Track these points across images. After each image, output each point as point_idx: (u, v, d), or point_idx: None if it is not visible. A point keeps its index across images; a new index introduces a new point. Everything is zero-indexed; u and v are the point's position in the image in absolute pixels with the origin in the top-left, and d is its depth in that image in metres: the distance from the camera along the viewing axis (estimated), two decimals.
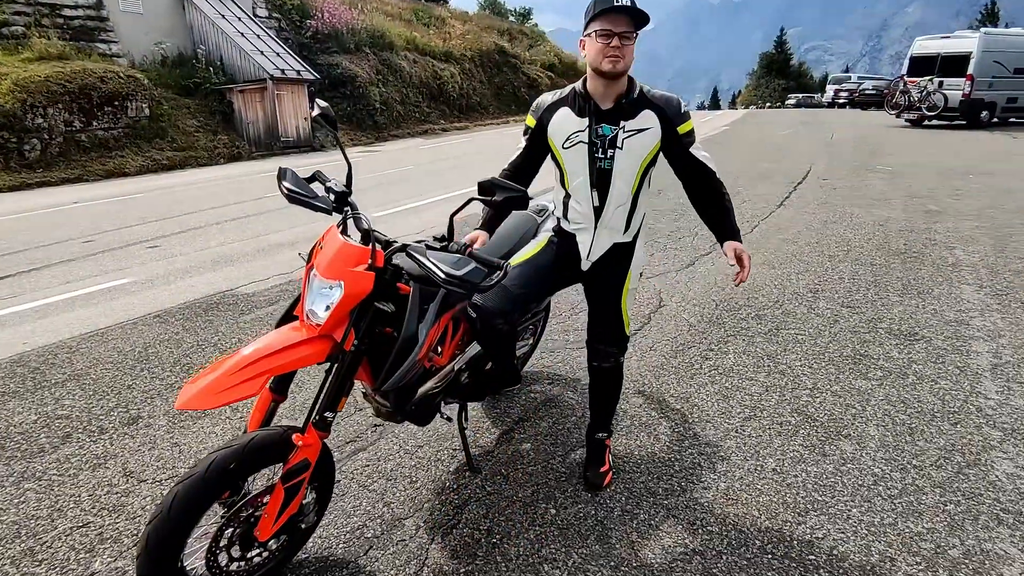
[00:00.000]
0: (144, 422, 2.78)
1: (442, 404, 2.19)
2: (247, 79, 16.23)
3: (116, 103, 13.61)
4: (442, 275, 1.46)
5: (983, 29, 17.91)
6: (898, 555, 1.90)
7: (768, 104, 53.69)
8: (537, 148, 2.08)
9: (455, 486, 2.29)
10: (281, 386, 1.78)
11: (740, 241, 2.01)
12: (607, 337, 2.14)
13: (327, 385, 1.70)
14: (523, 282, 2.06)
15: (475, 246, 2.00)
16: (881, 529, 2.01)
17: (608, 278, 2.11)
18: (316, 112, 1.84)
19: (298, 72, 16.88)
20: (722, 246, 2.03)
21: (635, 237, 2.12)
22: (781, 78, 63.37)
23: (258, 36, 17.21)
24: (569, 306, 4.02)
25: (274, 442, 1.62)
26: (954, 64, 15.74)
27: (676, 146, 1.97)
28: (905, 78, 17.04)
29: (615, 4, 1.78)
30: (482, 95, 26.48)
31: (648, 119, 1.92)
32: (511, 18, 41.67)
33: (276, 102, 16.17)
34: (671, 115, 1.93)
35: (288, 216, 7.27)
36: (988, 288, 4.15)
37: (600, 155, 1.94)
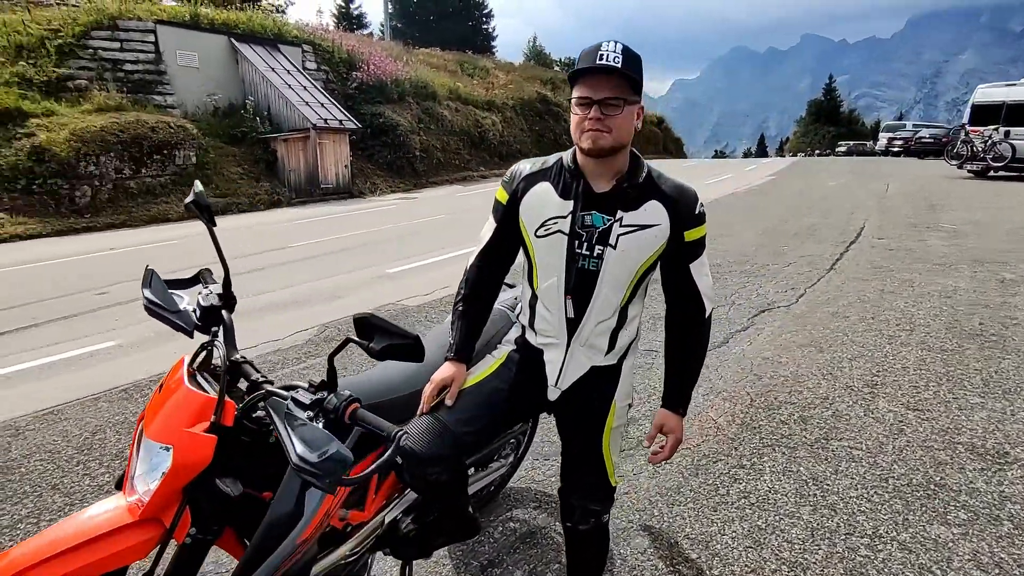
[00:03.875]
0: None
1: (370, 564, 1.70)
2: (292, 128, 16.71)
3: (165, 151, 14.09)
4: (294, 457, 1.00)
5: None
6: None
7: (817, 152, 52.52)
8: (511, 229, 1.59)
9: None
10: None
11: (683, 416, 1.58)
12: (584, 489, 1.61)
13: None
14: (468, 417, 1.54)
15: (448, 389, 1.56)
16: None
17: (584, 412, 1.59)
18: (189, 199, 1.43)
19: (340, 121, 17.28)
20: (661, 408, 1.60)
21: (622, 359, 1.61)
22: (831, 125, 62.32)
23: (304, 88, 17.80)
24: None
25: None
26: (1021, 113, 14.76)
27: (678, 255, 1.49)
28: (967, 127, 16.08)
29: (595, 64, 1.34)
30: (522, 142, 26.66)
31: (655, 213, 1.44)
32: (556, 67, 42.33)
33: (318, 150, 16.54)
34: (683, 213, 1.46)
35: (329, 264, 7.15)
36: None
37: (584, 252, 1.46)
